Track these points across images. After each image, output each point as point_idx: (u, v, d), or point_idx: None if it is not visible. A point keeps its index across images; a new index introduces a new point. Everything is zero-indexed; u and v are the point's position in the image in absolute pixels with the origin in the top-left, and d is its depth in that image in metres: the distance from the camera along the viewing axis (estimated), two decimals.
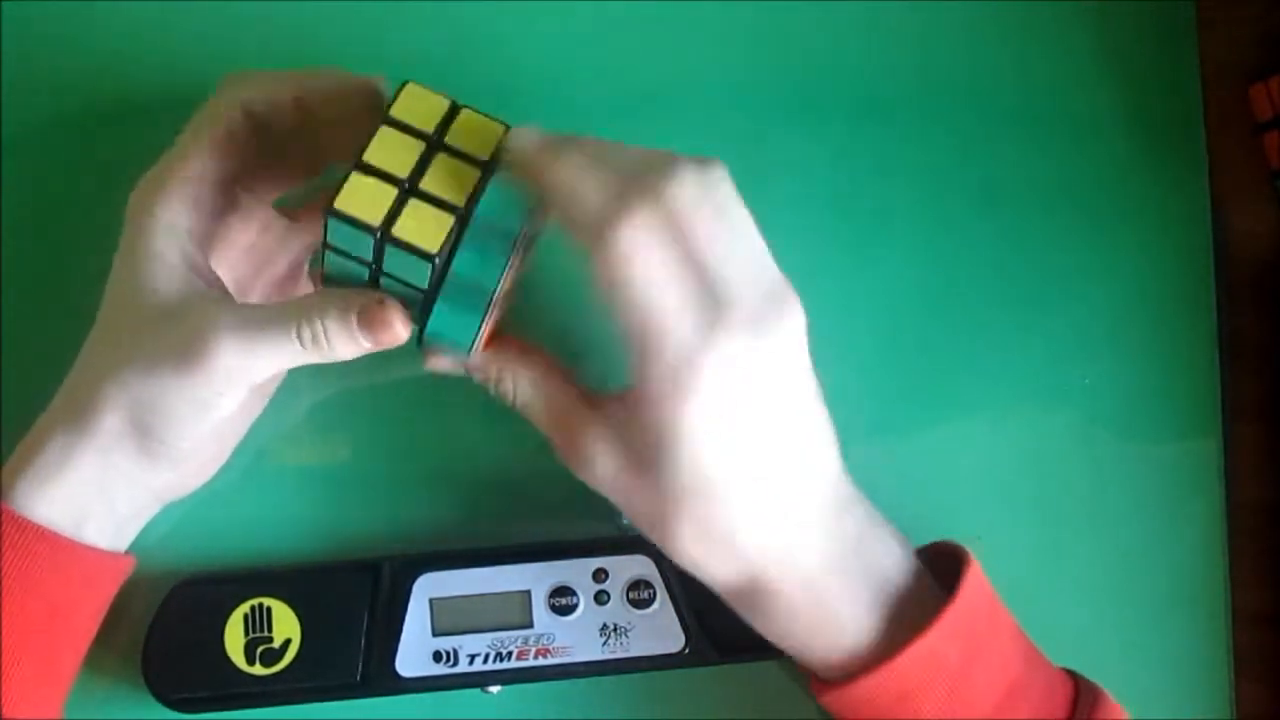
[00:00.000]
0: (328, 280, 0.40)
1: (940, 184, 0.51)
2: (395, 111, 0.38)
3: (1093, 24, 0.52)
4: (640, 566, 0.46)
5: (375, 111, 0.38)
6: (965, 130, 0.51)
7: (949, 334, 0.50)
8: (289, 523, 0.47)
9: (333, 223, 0.37)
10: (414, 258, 0.37)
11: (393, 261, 0.38)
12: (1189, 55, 0.52)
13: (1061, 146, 0.51)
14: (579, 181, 0.36)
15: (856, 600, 0.40)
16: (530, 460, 0.48)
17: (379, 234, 0.37)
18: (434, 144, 0.38)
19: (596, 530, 0.48)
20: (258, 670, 0.44)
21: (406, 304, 0.39)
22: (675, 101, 0.50)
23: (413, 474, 0.48)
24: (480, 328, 0.39)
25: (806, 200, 0.50)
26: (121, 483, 0.40)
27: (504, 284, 0.39)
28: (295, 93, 0.41)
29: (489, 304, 0.39)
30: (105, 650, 0.45)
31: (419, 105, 0.38)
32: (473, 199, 0.38)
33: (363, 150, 0.37)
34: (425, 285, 0.38)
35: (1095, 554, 0.50)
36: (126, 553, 0.42)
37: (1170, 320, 0.51)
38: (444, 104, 0.38)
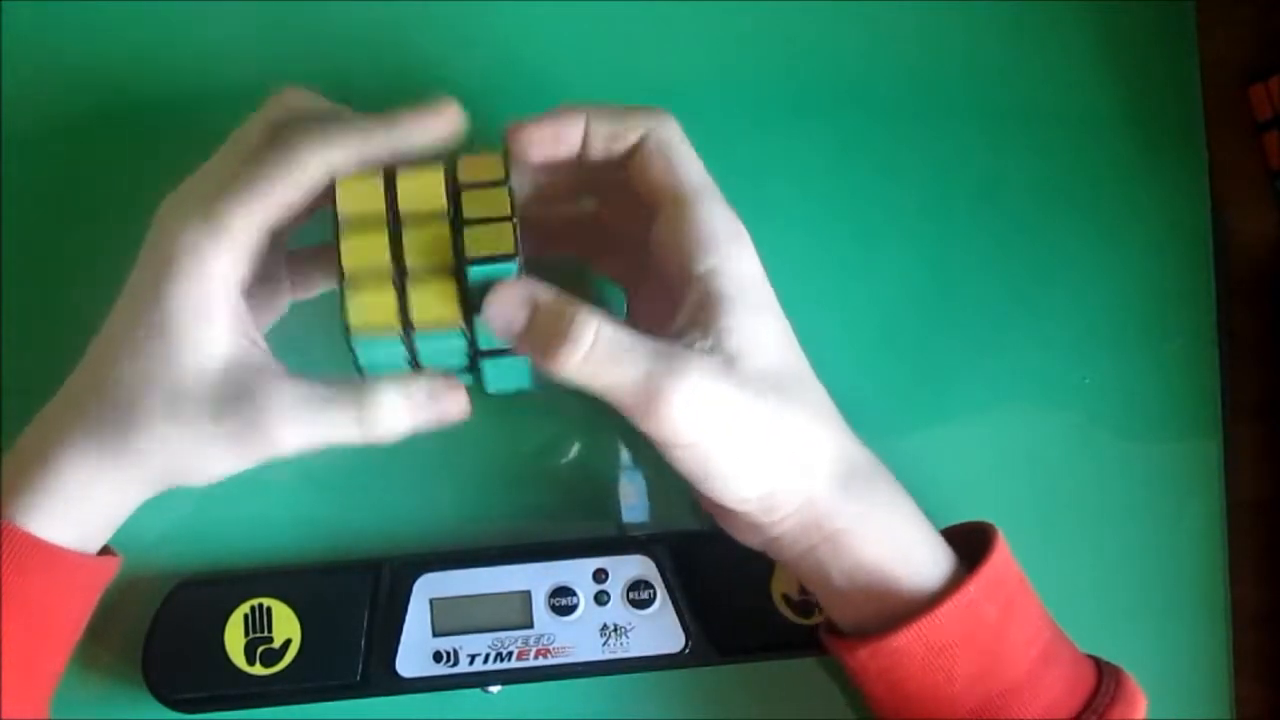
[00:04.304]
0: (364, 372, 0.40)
1: (940, 184, 0.51)
2: (342, 208, 0.38)
3: (1093, 24, 0.52)
4: (640, 566, 0.46)
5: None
6: (965, 130, 0.51)
7: (949, 333, 0.50)
8: (289, 523, 0.47)
9: (356, 343, 0.38)
10: (444, 333, 0.38)
11: (426, 345, 0.39)
12: (1189, 55, 0.52)
13: (1061, 146, 0.51)
14: (600, 109, 0.40)
15: (918, 530, 0.41)
16: (530, 460, 0.48)
17: (405, 332, 0.38)
18: (394, 222, 0.38)
19: (596, 530, 0.48)
20: (258, 670, 0.44)
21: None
22: (675, 102, 0.50)
23: (413, 474, 0.48)
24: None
25: (806, 200, 0.50)
26: (125, 506, 0.40)
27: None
28: (380, 158, 0.38)
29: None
30: (105, 650, 0.45)
31: (358, 189, 0.38)
32: (458, 250, 0.38)
33: (340, 262, 0.37)
34: (466, 349, 0.39)
35: (1095, 553, 0.50)
36: (114, 553, 0.42)
37: (1170, 320, 0.51)
38: (377, 179, 0.38)
